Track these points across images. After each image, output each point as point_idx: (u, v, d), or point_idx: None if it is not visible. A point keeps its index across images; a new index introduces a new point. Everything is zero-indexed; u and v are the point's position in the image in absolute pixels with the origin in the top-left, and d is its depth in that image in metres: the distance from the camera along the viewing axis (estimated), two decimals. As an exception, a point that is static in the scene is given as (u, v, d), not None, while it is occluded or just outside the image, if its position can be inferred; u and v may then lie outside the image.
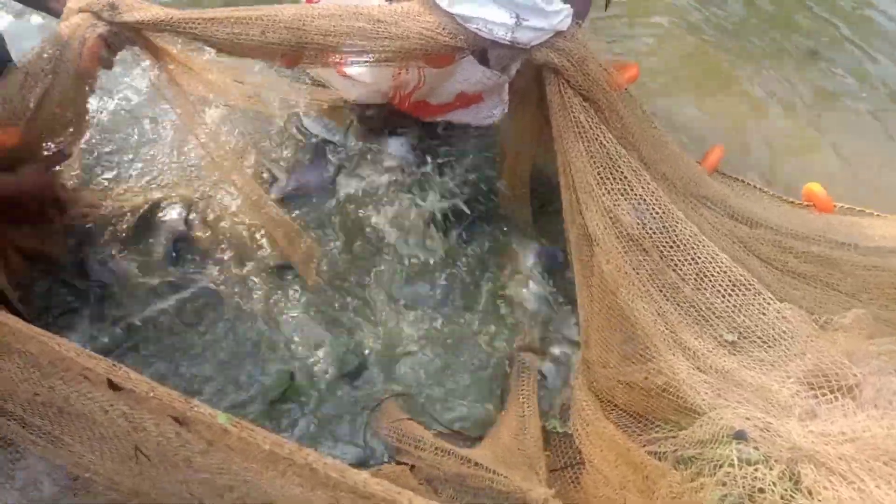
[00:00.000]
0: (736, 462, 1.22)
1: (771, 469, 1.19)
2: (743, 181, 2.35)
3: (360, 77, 2.31)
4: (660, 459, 1.43)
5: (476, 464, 1.52)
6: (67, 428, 1.39)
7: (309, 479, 1.17)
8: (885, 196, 2.47)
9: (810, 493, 1.15)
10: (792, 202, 2.30)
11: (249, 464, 1.23)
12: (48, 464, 1.48)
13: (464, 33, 1.71)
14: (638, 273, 1.59)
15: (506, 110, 2.36)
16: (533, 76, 1.88)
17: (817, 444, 1.15)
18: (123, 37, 1.65)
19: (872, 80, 3.04)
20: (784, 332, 1.40)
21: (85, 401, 1.30)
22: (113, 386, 1.25)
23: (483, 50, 1.87)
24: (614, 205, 1.64)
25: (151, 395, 1.21)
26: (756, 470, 1.20)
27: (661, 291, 1.56)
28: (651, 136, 1.89)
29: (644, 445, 1.51)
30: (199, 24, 1.59)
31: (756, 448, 1.23)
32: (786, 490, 1.17)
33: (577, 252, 1.78)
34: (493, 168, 2.40)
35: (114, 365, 1.24)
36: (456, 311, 2.08)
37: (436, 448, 1.60)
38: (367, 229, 2.20)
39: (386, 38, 1.68)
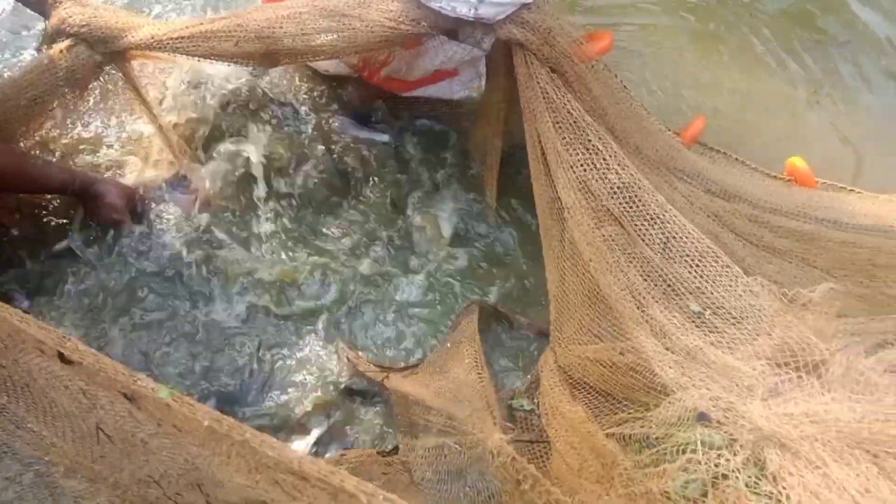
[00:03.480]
0: (699, 446, 1.17)
1: (735, 454, 1.14)
2: (724, 153, 2.25)
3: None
4: (626, 442, 1.38)
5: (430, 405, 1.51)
6: (31, 407, 1.34)
7: (251, 459, 1.11)
8: (871, 175, 2.39)
9: (775, 479, 1.09)
10: (774, 176, 2.22)
11: (199, 448, 1.17)
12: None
13: (426, 17, 1.67)
14: (608, 245, 1.53)
15: (482, 83, 2.30)
16: (502, 48, 1.82)
17: (780, 425, 1.09)
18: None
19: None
20: (752, 307, 1.34)
21: (46, 376, 1.22)
22: (63, 359, 1.18)
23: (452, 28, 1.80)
24: (585, 175, 1.59)
25: (98, 367, 1.13)
26: (720, 455, 1.15)
27: (630, 264, 1.50)
28: (624, 108, 1.82)
29: (609, 427, 1.45)
30: (179, 41, 1.68)
31: (720, 431, 1.17)
32: (750, 477, 1.11)
33: (545, 225, 1.73)
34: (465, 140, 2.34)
35: (63, 336, 1.17)
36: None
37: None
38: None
39: (351, 31, 1.66)
